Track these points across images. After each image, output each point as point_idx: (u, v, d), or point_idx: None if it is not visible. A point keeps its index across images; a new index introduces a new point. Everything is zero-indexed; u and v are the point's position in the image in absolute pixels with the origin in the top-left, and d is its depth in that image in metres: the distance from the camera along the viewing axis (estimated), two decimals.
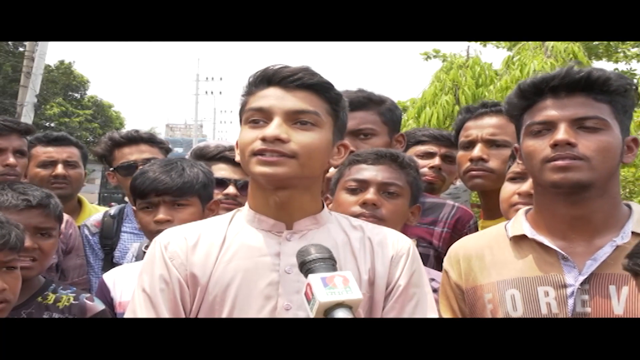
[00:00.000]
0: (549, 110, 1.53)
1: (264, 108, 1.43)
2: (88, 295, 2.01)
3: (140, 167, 2.46)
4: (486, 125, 2.31)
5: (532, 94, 1.57)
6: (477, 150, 2.28)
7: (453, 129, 2.52)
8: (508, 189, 2.04)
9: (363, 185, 1.96)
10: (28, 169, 2.83)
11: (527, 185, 1.95)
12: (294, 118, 1.42)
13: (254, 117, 1.44)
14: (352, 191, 1.97)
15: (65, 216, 2.61)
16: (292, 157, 1.41)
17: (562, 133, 1.48)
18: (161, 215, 2.06)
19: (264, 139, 1.40)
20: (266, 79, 1.46)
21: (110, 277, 2.18)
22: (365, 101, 2.41)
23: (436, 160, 2.74)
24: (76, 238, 2.63)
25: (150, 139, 2.90)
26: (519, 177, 2.01)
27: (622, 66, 10.47)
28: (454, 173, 2.75)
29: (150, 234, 2.10)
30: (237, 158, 1.53)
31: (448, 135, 2.79)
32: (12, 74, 20.63)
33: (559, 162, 1.48)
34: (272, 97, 1.44)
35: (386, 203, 1.94)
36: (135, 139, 2.86)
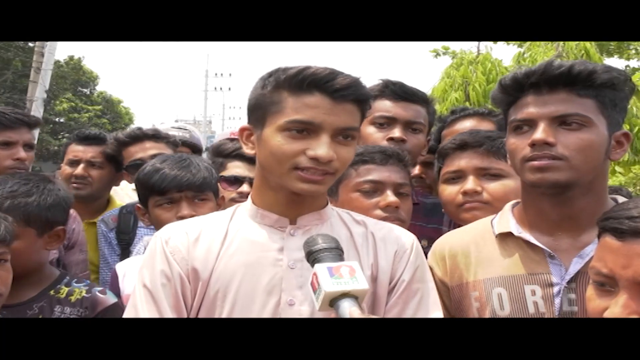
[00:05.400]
0: (529, 107, 1.46)
1: (314, 123, 1.36)
2: (101, 288, 1.97)
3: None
4: (461, 131, 2.36)
5: (513, 89, 1.50)
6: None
7: (432, 139, 2.55)
8: (449, 190, 1.96)
9: (379, 186, 1.91)
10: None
11: (471, 183, 1.90)
12: (340, 133, 1.39)
13: (299, 127, 1.37)
14: (367, 193, 1.91)
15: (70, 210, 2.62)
16: (333, 174, 1.41)
17: (539, 132, 1.43)
18: (185, 211, 2.00)
19: (315, 159, 1.36)
20: (314, 84, 1.37)
21: (122, 268, 2.16)
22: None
23: (416, 170, 2.73)
24: (79, 233, 2.59)
25: (154, 135, 2.89)
26: (456, 177, 1.96)
27: (634, 63, 10.41)
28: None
29: None
30: (249, 152, 1.48)
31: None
32: (22, 70, 20.73)
33: (536, 163, 1.44)
34: (322, 110, 1.36)
35: (402, 204, 1.91)
36: (138, 136, 2.85)
